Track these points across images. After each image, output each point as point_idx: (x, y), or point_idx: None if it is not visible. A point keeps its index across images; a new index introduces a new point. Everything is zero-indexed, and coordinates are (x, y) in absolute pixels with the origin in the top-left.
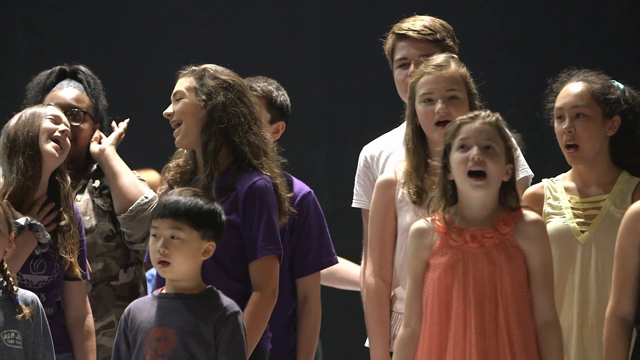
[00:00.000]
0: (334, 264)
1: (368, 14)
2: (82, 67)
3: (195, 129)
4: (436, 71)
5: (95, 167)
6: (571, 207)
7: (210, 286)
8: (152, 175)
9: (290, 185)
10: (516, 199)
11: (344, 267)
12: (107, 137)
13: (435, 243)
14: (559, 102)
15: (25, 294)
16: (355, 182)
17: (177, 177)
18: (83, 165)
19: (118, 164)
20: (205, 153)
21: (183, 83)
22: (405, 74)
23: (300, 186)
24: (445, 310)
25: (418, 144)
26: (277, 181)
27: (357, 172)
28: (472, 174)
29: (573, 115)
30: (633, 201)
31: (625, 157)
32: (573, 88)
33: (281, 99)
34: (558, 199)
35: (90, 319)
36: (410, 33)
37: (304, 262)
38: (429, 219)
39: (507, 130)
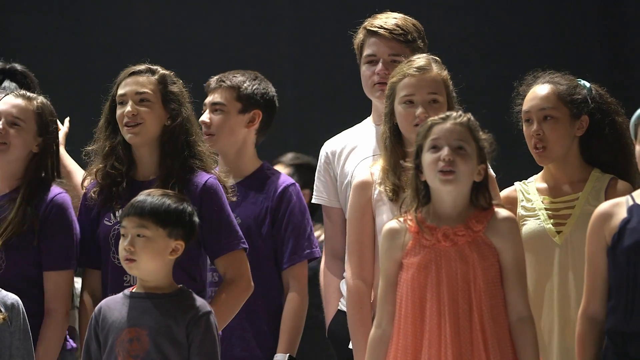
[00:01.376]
0: (317, 256)
1: (339, 13)
2: (18, 67)
3: (156, 132)
4: (419, 74)
5: None
6: (545, 208)
7: (181, 285)
8: None
9: (274, 177)
10: (488, 199)
11: None
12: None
13: (407, 243)
14: (526, 105)
15: (6, 297)
16: (316, 177)
17: (116, 177)
18: None
19: (71, 163)
20: (170, 160)
21: (145, 84)
22: (373, 71)
23: (284, 178)
24: (419, 309)
25: (395, 143)
26: (224, 180)
27: (318, 167)
28: (442, 174)
29: (541, 117)
30: (606, 198)
31: (596, 155)
32: (539, 90)
33: (253, 88)
34: (531, 200)
35: (50, 317)
36: (382, 31)
37: (287, 253)
38: (401, 219)
39: (479, 131)
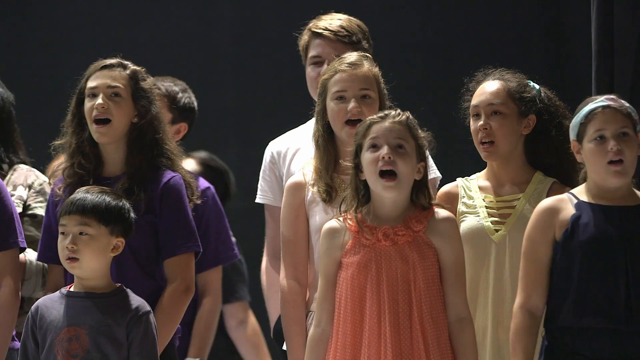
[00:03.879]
0: (234, 259)
1: (280, 13)
2: None
3: (124, 130)
4: (350, 70)
5: None
6: (485, 206)
7: (120, 285)
8: None
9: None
10: (428, 197)
11: None
12: None
13: (347, 242)
14: (475, 100)
15: None
16: (260, 177)
17: (83, 176)
18: None
19: None
20: (138, 158)
21: (117, 78)
22: (318, 72)
23: (200, 182)
24: (358, 308)
25: (328, 141)
26: (190, 181)
27: (263, 167)
28: (383, 173)
29: (489, 112)
30: None
31: (540, 157)
32: (489, 86)
33: (185, 101)
34: (472, 197)
35: (4, 291)
36: (327, 33)
37: (203, 257)
38: (340, 218)
39: (418, 129)
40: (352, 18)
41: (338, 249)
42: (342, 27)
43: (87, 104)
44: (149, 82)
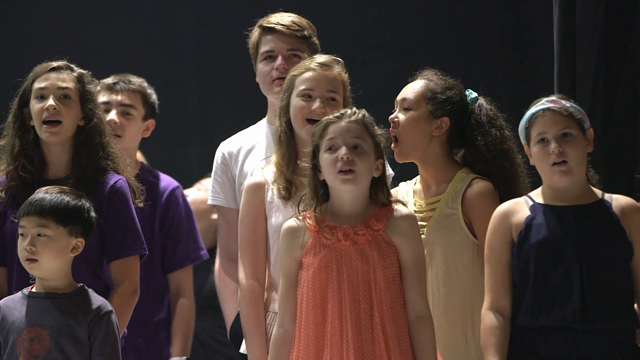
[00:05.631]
0: (204, 259)
1: (242, 13)
2: None
3: (72, 131)
4: (320, 70)
5: None
6: (415, 211)
7: (81, 285)
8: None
9: (157, 180)
10: (387, 194)
11: None
12: None
13: (307, 242)
14: (398, 96)
15: None
16: (212, 179)
17: (27, 179)
18: None
19: None
20: (85, 161)
21: (67, 80)
22: (272, 67)
23: (169, 180)
24: (320, 308)
25: (290, 138)
26: (133, 183)
27: (214, 169)
28: (342, 173)
29: (402, 108)
30: (464, 198)
31: (471, 163)
32: (411, 84)
33: (154, 97)
34: (407, 202)
35: None
36: (279, 27)
37: (174, 257)
38: (300, 217)
39: (374, 126)
40: (299, 16)
41: (298, 248)
42: (293, 22)
43: (36, 105)
44: (94, 85)
